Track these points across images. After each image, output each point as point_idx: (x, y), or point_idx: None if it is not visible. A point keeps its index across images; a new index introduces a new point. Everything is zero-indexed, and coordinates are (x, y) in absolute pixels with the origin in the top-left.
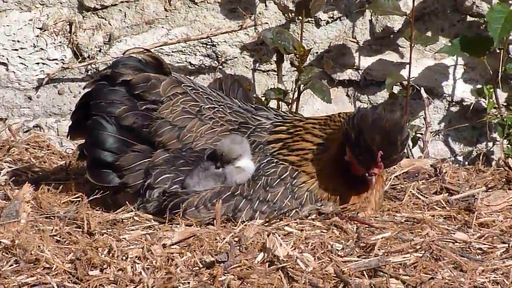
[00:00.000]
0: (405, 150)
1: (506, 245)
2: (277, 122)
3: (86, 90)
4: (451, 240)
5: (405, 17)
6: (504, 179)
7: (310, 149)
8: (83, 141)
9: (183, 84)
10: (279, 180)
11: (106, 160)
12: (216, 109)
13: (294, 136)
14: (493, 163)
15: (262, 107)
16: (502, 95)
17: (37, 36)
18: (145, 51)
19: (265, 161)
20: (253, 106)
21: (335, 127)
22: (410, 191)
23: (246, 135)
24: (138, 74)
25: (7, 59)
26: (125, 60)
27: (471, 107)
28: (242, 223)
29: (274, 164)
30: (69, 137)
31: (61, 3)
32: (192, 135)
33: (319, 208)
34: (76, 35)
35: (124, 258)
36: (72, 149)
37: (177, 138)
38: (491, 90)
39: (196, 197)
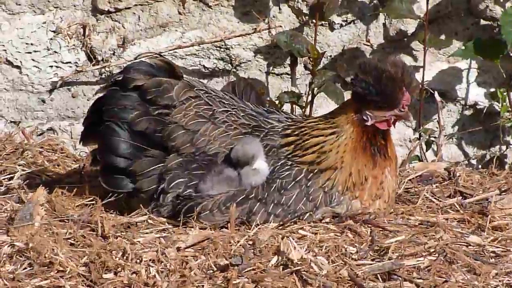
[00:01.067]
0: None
1: None
2: (286, 126)
3: (98, 95)
4: (464, 244)
5: (419, 20)
6: None
7: (325, 141)
8: (96, 146)
9: (195, 88)
10: (294, 182)
11: (119, 166)
12: (229, 112)
13: (303, 136)
14: (507, 166)
15: (274, 110)
16: None
17: (51, 39)
18: (157, 55)
19: (279, 164)
20: (265, 109)
21: (337, 116)
22: (424, 195)
23: (259, 138)
24: (150, 79)
25: (20, 62)
26: (137, 65)
27: (484, 111)
28: (256, 227)
29: (289, 166)
30: (81, 143)
31: (74, 6)
32: (205, 139)
33: (333, 208)
34: (89, 38)
35: (138, 261)
36: (86, 152)
37: (191, 142)
38: (505, 93)
39: (211, 201)
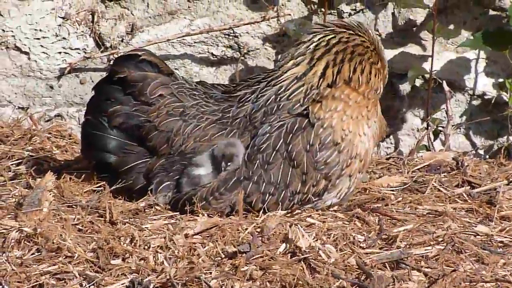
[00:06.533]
0: None
1: None
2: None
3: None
4: (472, 233)
5: (427, 10)
6: None
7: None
8: None
9: (171, 83)
10: (274, 152)
11: (106, 161)
12: (200, 103)
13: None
14: None
15: (242, 82)
16: None
17: (59, 25)
18: (146, 51)
19: (258, 134)
20: (234, 84)
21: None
22: (432, 184)
23: (230, 120)
24: (135, 73)
25: (29, 48)
26: (127, 58)
27: (492, 101)
28: (264, 214)
29: (268, 135)
30: None
31: None
32: (180, 138)
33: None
34: (98, 25)
35: (146, 247)
36: None
37: (167, 143)
38: None
39: (204, 190)
